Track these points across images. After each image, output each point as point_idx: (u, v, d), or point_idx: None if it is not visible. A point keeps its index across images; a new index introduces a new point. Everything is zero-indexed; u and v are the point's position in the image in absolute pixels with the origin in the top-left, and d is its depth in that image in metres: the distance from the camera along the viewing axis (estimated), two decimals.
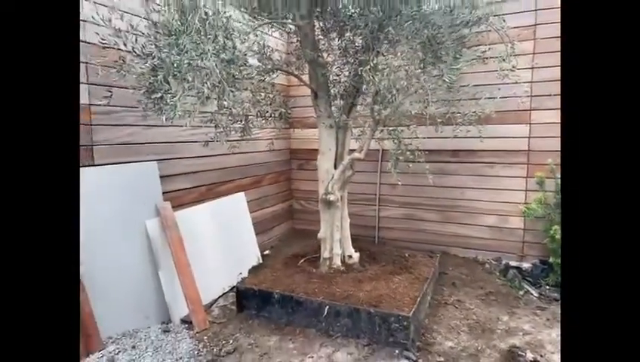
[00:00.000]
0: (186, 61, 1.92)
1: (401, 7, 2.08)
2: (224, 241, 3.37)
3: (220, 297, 3.12)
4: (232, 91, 1.97)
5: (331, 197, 3.06)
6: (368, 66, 2.36)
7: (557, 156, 3.37)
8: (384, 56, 2.37)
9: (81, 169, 2.37)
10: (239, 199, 3.76)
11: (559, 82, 3.42)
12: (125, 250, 2.59)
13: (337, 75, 3.06)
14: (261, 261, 3.77)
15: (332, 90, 3.07)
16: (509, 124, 3.68)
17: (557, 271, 3.24)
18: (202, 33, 1.90)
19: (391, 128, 2.84)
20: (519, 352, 2.36)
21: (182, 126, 2.72)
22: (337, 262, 3.15)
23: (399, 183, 3.03)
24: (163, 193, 2.88)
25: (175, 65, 1.94)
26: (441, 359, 2.32)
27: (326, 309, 2.55)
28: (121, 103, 2.56)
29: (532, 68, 3.52)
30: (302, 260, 3.36)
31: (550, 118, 3.52)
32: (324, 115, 3.02)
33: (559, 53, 3.42)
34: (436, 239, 4.14)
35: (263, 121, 2.85)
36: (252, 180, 4.10)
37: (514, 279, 3.39)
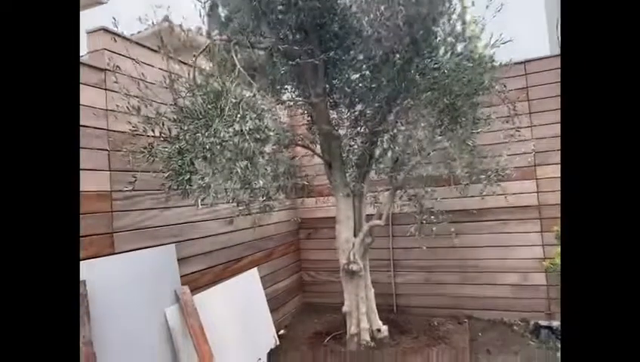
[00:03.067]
0: (218, 142, 1.93)
1: (418, 79, 2.20)
2: (241, 325, 3.16)
3: None
4: (266, 169, 1.97)
5: (354, 267, 2.97)
6: (387, 136, 2.43)
7: None
8: (402, 125, 2.45)
9: (101, 259, 2.25)
10: (253, 276, 3.60)
11: (558, 138, 3.59)
12: (145, 341, 2.38)
13: (350, 146, 3.12)
14: (278, 342, 3.52)
15: (346, 160, 3.11)
16: (516, 180, 3.75)
17: None
18: (234, 116, 1.93)
19: (411, 193, 2.85)
20: None
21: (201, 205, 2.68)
22: (366, 337, 2.96)
23: (424, 248, 2.98)
24: (180, 276, 2.74)
25: (207, 147, 1.95)
26: None
27: None
28: (141, 187, 2.51)
29: (530, 126, 3.70)
30: (327, 338, 3.15)
31: (554, 172, 3.63)
32: (340, 184, 3.03)
33: (552, 111, 3.63)
34: (457, 303, 3.99)
35: (283, 196, 2.83)
36: (264, 254, 3.97)
37: (547, 340, 3.24)
